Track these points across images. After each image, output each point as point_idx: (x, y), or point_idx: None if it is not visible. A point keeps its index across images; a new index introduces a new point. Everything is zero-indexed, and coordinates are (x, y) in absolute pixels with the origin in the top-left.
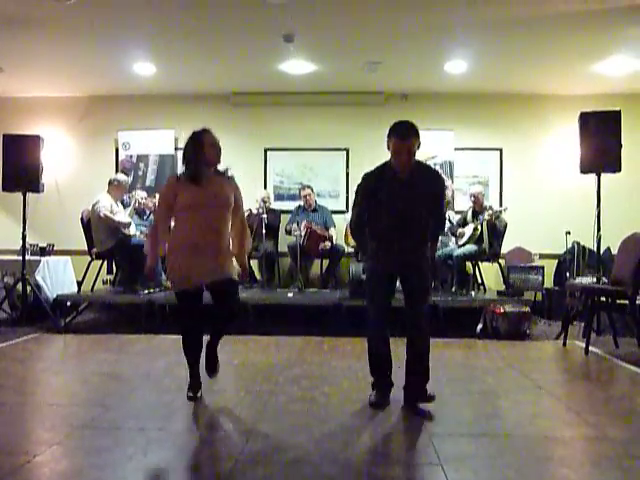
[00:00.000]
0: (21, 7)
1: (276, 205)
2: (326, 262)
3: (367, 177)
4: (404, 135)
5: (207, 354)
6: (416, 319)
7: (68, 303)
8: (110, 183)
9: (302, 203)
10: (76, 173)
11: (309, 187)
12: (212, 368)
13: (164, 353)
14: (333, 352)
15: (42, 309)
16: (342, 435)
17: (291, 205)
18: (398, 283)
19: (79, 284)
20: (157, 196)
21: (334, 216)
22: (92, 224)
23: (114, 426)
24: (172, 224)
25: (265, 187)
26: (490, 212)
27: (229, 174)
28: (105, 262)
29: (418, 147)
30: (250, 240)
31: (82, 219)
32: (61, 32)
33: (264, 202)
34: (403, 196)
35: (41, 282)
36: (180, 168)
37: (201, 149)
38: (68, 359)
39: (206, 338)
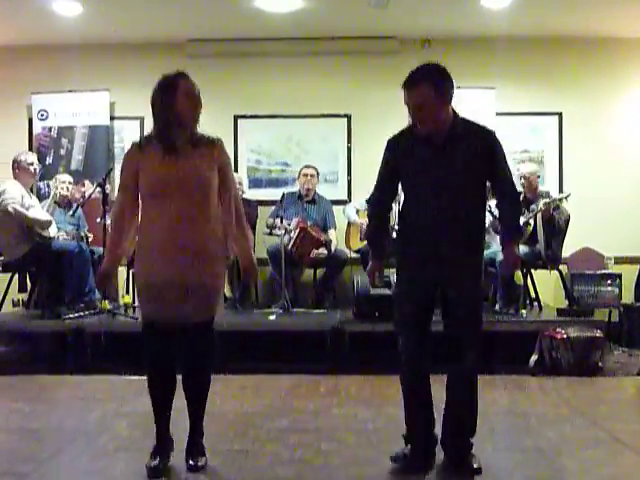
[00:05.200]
0: None
1: (251, 194)
2: (321, 271)
3: (389, 144)
4: (409, 82)
5: (189, 437)
6: (458, 347)
7: None
8: (15, 165)
9: (298, 188)
10: None
11: (313, 167)
12: (192, 454)
13: (99, 400)
14: (333, 396)
15: None
16: None
17: (272, 194)
18: None
19: None
20: (86, 184)
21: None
22: None
23: None
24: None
25: (236, 169)
26: (547, 200)
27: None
28: (17, 275)
29: (444, 98)
30: (250, 230)
31: None
32: None
33: None
34: (437, 168)
35: None
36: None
37: (173, 99)
38: None
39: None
